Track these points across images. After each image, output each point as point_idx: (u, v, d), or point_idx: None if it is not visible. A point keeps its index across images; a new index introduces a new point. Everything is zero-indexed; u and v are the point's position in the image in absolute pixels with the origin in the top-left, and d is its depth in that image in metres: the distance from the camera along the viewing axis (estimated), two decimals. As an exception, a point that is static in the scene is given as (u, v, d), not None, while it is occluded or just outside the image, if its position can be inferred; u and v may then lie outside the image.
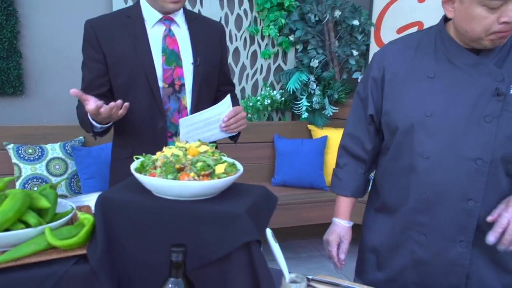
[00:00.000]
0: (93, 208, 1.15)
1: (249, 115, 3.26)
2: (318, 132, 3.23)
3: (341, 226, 1.45)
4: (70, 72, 2.93)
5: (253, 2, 3.24)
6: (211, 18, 1.69)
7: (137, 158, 1.05)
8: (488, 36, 1.10)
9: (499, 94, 1.13)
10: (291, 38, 3.30)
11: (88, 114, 1.35)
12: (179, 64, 1.51)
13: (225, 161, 1.01)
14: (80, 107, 1.47)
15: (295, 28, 3.24)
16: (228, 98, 1.44)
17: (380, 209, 1.39)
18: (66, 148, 2.71)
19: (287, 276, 1.03)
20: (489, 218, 1.12)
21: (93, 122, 1.38)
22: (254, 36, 3.30)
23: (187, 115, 1.53)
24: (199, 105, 1.52)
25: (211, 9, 3.09)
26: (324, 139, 3.15)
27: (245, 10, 3.24)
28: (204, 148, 1.03)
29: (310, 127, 3.30)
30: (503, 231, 1.08)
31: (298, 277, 1.03)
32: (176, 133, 1.53)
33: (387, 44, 1.37)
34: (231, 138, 1.60)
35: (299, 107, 3.23)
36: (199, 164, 0.96)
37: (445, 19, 1.23)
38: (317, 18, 3.17)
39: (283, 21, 3.23)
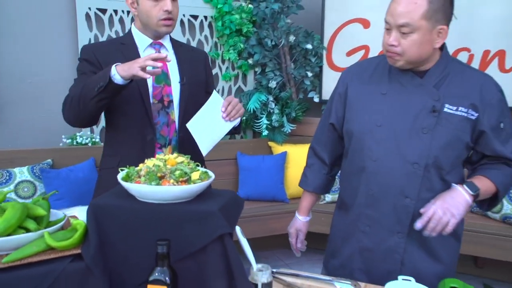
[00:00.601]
0: (79, 217, 1.29)
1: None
2: (278, 148, 3.43)
3: (299, 221, 1.67)
4: (34, 99, 3.00)
5: (213, 29, 3.44)
6: (194, 46, 1.88)
7: (122, 170, 1.21)
8: (386, 53, 1.38)
9: (434, 111, 1.37)
10: (250, 61, 3.51)
11: (113, 68, 1.43)
12: (168, 82, 1.69)
13: (199, 170, 1.19)
14: (87, 83, 1.52)
15: (253, 52, 3.46)
16: (214, 92, 1.61)
17: (340, 206, 1.61)
18: (35, 171, 2.77)
19: (255, 266, 1.22)
20: (422, 210, 1.35)
21: (115, 75, 1.43)
22: (215, 60, 3.49)
23: (175, 128, 1.69)
24: (185, 119, 1.66)
25: (174, 35, 3.26)
26: (284, 154, 3.36)
27: (206, 36, 3.43)
28: (181, 159, 1.20)
29: (270, 143, 3.48)
30: (429, 220, 1.31)
31: (264, 267, 1.22)
32: (165, 144, 1.68)
33: (353, 65, 1.61)
34: (235, 131, 1.74)
35: (259, 125, 3.43)
36: (177, 172, 1.14)
37: None
38: (273, 43, 3.40)
39: (242, 45, 3.44)
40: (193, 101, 1.72)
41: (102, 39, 3.06)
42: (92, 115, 1.57)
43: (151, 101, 1.66)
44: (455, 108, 1.37)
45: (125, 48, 1.68)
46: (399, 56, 1.34)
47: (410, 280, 1.31)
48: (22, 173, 2.74)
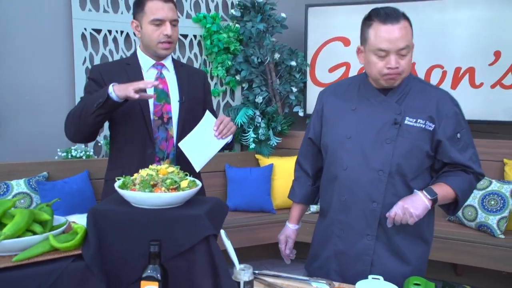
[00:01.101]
0: (78, 223, 1.42)
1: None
2: (264, 161, 3.57)
3: (289, 229, 1.81)
4: (32, 114, 3.12)
5: (202, 47, 3.60)
6: (194, 66, 2.03)
7: (118, 179, 1.35)
8: (382, 77, 1.52)
9: (396, 123, 1.54)
10: (237, 77, 3.66)
11: (111, 87, 1.57)
12: (168, 101, 1.82)
13: (187, 179, 1.33)
14: (87, 100, 1.67)
15: (241, 69, 3.62)
16: (207, 112, 1.75)
17: (320, 214, 1.76)
18: (31, 183, 2.88)
19: (238, 265, 1.36)
20: (387, 214, 1.50)
21: (113, 94, 1.57)
22: (204, 76, 3.66)
23: (173, 143, 1.82)
24: (182, 134, 1.78)
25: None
26: (270, 166, 3.50)
27: (195, 54, 3.60)
28: (171, 169, 1.34)
29: (258, 156, 3.62)
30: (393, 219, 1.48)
31: (246, 267, 1.37)
32: (164, 158, 1.81)
33: (329, 86, 1.78)
34: (228, 146, 1.87)
35: (246, 138, 3.58)
36: (168, 181, 1.28)
37: None
38: (259, 60, 3.57)
39: (229, 63, 3.61)
40: (190, 118, 1.84)
41: (97, 57, 3.21)
42: (90, 130, 1.71)
43: (151, 117, 1.79)
44: (414, 120, 1.53)
45: (129, 68, 1.82)
46: (399, 76, 1.50)
47: (379, 279, 1.45)
48: (19, 185, 2.84)
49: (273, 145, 3.57)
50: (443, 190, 1.54)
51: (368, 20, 1.51)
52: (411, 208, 1.45)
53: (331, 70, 3.65)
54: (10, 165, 2.94)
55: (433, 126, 1.53)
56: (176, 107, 1.84)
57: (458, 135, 1.55)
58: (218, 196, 3.51)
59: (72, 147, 3.13)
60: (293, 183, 1.83)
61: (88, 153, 3.16)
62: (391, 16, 1.45)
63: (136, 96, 1.56)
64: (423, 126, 1.52)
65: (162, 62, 1.85)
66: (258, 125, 3.56)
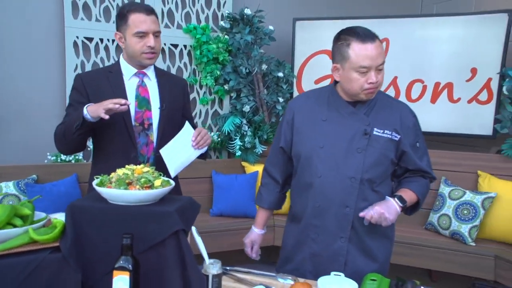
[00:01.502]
0: (59, 219, 1.51)
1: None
2: (250, 168, 3.66)
3: (254, 233, 1.90)
4: (23, 119, 3.20)
5: (192, 57, 3.71)
6: (176, 74, 2.12)
7: (96, 178, 1.44)
8: (362, 91, 1.62)
9: (366, 134, 1.65)
10: (226, 87, 3.75)
11: (85, 109, 1.68)
12: (149, 108, 1.91)
13: (161, 178, 1.43)
14: (67, 122, 1.79)
15: (229, 79, 3.71)
16: (187, 123, 1.85)
17: (292, 219, 1.84)
18: (20, 185, 2.96)
19: (207, 260, 1.45)
20: (361, 214, 1.60)
21: (88, 116, 1.69)
22: (194, 85, 3.74)
23: (153, 148, 1.91)
24: (162, 140, 1.88)
25: (156, 62, 3.51)
26: (256, 174, 3.57)
27: (185, 63, 3.70)
28: (146, 169, 1.44)
29: (243, 163, 3.70)
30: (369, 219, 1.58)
31: (215, 261, 1.45)
32: (144, 162, 1.88)
33: (297, 96, 1.88)
34: (202, 156, 1.96)
35: (233, 146, 3.67)
36: (142, 180, 1.37)
37: (335, 82, 1.73)
38: (247, 70, 3.67)
39: (218, 72, 3.71)
40: (170, 124, 1.94)
41: (88, 65, 3.31)
42: (77, 145, 1.83)
43: (133, 123, 1.88)
44: (382, 131, 1.64)
45: (112, 76, 1.91)
46: (377, 89, 1.62)
47: (340, 275, 1.55)
48: (8, 187, 2.91)
49: (259, 153, 3.66)
50: (409, 196, 1.67)
51: (343, 40, 1.60)
52: (386, 213, 1.57)
53: (317, 81, 3.76)
54: (0, 168, 3.01)
55: (399, 137, 1.64)
56: (156, 114, 1.92)
57: (417, 144, 1.67)
58: (205, 201, 3.61)
59: (62, 151, 3.21)
60: (260, 189, 1.91)
61: (77, 157, 3.25)
62: (368, 36, 1.57)
63: (106, 116, 1.65)
64: (390, 136, 1.64)
65: (144, 70, 1.94)
66: (244, 133, 3.65)
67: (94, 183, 1.40)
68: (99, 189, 1.35)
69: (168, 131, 1.93)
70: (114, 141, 1.88)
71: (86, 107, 1.70)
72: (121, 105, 1.66)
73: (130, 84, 1.92)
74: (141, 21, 1.83)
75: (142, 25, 1.83)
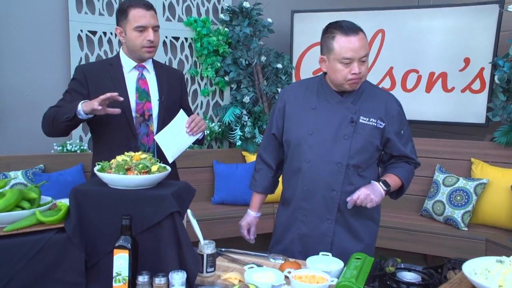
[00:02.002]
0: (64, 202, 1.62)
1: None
2: (250, 157, 3.74)
3: (251, 216, 2.00)
4: (30, 110, 3.29)
5: (192, 49, 3.80)
6: (173, 67, 2.20)
7: (98, 164, 1.54)
8: (346, 82, 1.70)
9: (352, 121, 1.74)
10: (226, 78, 3.84)
11: (80, 105, 1.75)
12: (149, 99, 2.00)
13: (158, 164, 1.53)
14: (59, 110, 1.85)
15: (229, 70, 3.80)
16: (181, 111, 1.93)
17: (282, 202, 1.95)
18: (28, 174, 3.08)
19: (202, 240, 1.55)
20: (348, 198, 1.70)
21: (81, 111, 1.75)
22: (195, 77, 3.83)
23: (153, 138, 1.98)
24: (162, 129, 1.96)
25: (156, 55, 3.57)
26: (256, 163, 3.69)
27: (186, 56, 3.79)
28: (144, 156, 1.54)
29: (244, 153, 3.79)
30: (354, 201, 1.68)
31: (209, 242, 1.55)
32: (145, 151, 1.95)
33: (289, 85, 1.96)
34: (199, 142, 2.06)
35: (234, 136, 3.77)
36: (140, 165, 1.47)
37: (324, 72, 1.81)
38: (247, 62, 3.75)
39: (218, 64, 3.79)
40: (169, 115, 2.02)
41: (92, 57, 3.41)
42: (61, 133, 1.92)
43: (133, 115, 1.97)
44: (367, 119, 1.73)
45: (112, 69, 1.99)
46: (360, 80, 1.70)
47: (328, 255, 1.65)
48: (16, 176, 3.03)
49: (259, 142, 3.74)
50: (393, 181, 1.76)
51: (329, 33, 1.69)
52: (372, 194, 1.67)
53: (315, 72, 3.82)
54: (8, 158, 3.12)
55: (384, 124, 1.73)
56: (156, 105, 2.02)
57: (402, 131, 1.76)
58: (206, 190, 3.71)
59: (68, 142, 3.32)
60: (254, 174, 2.01)
61: (82, 147, 3.36)
62: (351, 29, 1.65)
63: (99, 107, 1.72)
64: (375, 124, 1.73)
65: (143, 64, 2.03)
66: (245, 123, 3.74)
67: (95, 168, 1.50)
68: (100, 174, 1.46)
69: (168, 121, 2.01)
70: (116, 132, 1.97)
71: (81, 103, 1.78)
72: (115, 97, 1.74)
73: (130, 76, 2.01)
74: (141, 16, 1.91)
75: (142, 19, 1.91)
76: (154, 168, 1.49)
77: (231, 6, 3.77)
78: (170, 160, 1.92)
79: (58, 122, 1.84)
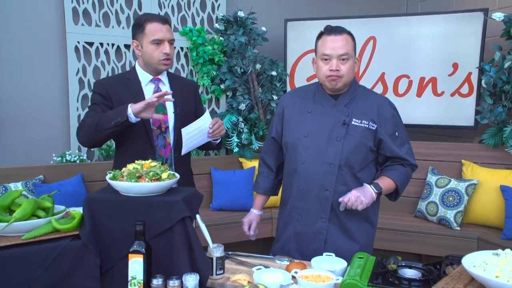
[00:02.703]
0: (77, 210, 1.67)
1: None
2: (247, 164, 3.80)
3: (253, 213, 2.07)
4: (28, 121, 3.33)
5: (188, 58, 3.86)
6: (186, 78, 2.24)
7: (109, 173, 1.60)
8: (326, 78, 1.79)
9: (344, 124, 1.82)
10: (222, 86, 3.89)
11: (129, 108, 1.81)
12: (165, 112, 2.05)
13: (167, 172, 1.59)
14: (102, 116, 1.90)
15: (225, 79, 3.85)
16: (207, 112, 2.00)
17: (281, 204, 2.02)
18: (28, 185, 3.10)
19: (211, 244, 1.62)
20: (340, 199, 1.77)
21: (131, 114, 1.81)
22: (191, 85, 3.91)
23: (170, 150, 2.05)
24: (179, 142, 2.01)
25: None
26: (253, 169, 3.72)
27: (182, 65, 3.85)
28: (154, 164, 1.60)
29: (241, 159, 3.85)
30: (346, 203, 1.74)
31: (218, 246, 1.61)
32: (163, 163, 1.97)
33: (288, 92, 2.07)
34: (217, 146, 2.13)
35: (230, 143, 3.83)
36: (151, 173, 1.54)
37: None
38: (242, 70, 3.82)
39: (214, 73, 3.85)
40: (185, 126, 2.05)
41: (89, 68, 3.46)
42: (102, 141, 1.96)
43: (151, 127, 2.03)
44: (359, 121, 1.82)
45: (130, 83, 2.05)
46: (340, 79, 1.78)
47: (331, 255, 1.72)
48: (16, 188, 3.06)
49: (255, 149, 3.81)
50: (386, 183, 1.83)
51: (318, 36, 1.84)
52: (362, 196, 1.74)
53: (309, 79, 3.92)
54: (8, 169, 3.13)
55: (376, 126, 1.81)
56: (172, 117, 2.07)
57: (396, 133, 1.84)
58: (205, 196, 3.72)
59: (67, 152, 3.36)
60: (257, 177, 2.10)
61: (81, 157, 3.40)
62: (335, 29, 1.78)
63: (155, 99, 1.80)
64: (367, 126, 1.81)
65: (159, 77, 2.08)
66: (241, 130, 3.80)
67: (107, 177, 1.56)
68: (112, 183, 1.52)
69: None
70: (135, 144, 2.02)
71: (130, 106, 1.82)
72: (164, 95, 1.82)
73: (147, 90, 2.06)
74: (157, 30, 1.97)
75: (158, 33, 1.97)
76: (164, 175, 1.55)
77: (226, 15, 3.85)
78: (183, 152, 1.99)
79: (103, 129, 1.87)
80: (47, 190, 3.06)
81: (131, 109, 1.82)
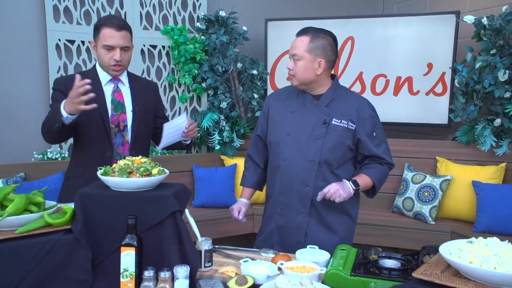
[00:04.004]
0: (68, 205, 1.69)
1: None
2: (229, 161, 3.86)
3: (241, 201, 2.12)
4: (9, 119, 3.30)
5: (170, 57, 3.88)
6: (147, 79, 2.31)
7: (100, 169, 1.63)
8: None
9: (324, 123, 1.90)
10: (203, 85, 3.94)
11: (62, 106, 1.83)
12: (124, 111, 2.11)
13: (157, 167, 1.63)
14: (50, 114, 1.94)
15: (206, 77, 3.90)
16: (184, 113, 2.07)
17: (266, 199, 2.09)
18: (9, 183, 3.08)
19: (199, 238, 1.67)
20: (320, 193, 1.85)
21: (64, 113, 1.82)
22: (173, 84, 3.91)
23: (128, 148, 2.11)
24: (137, 140, 2.10)
25: (134, 63, 3.59)
26: (234, 166, 3.79)
27: (164, 63, 3.87)
28: (144, 160, 1.64)
29: (222, 157, 3.90)
30: (324, 195, 1.82)
31: (206, 239, 1.67)
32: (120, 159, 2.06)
33: (273, 92, 2.15)
34: (187, 147, 2.21)
35: (212, 141, 3.87)
36: (141, 169, 1.58)
37: None
38: (223, 69, 3.88)
39: (196, 71, 3.89)
40: (143, 125, 2.15)
41: (71, 66, 3.45)
42: (61, 137, 2.02)
43: (110, 125, 2.07)
44: (339, 121, 1.90)
45: (90, 83, 2.05)
46: (294, 77, 1.90)
47: (315, 248, 1.79)
48: (-3, 185, 3.04)
49: (237, 146, 3.87)
50: (364, 181, 1.93)
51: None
52: (341, 190, 1.82)
53: (289, 78, 4.00)
54: (-12, 167, 3.12)
55: (355, 126, 1.90)
56: (130, 116, 2.13)
57: (374, 133, 1.94)
58: (186, 194, 3.80)
59: (48, 150, 3.34)
60: (244, 172, 2.17)
61: (63, 155, 3.39)
62: (300, 31, 1.90)
63: (87, 107, 1.83)
64: (346, 125, 1.90)
65: (119, 77, 2.13)
66: (222, 128, 3.85)
67: (99, 173, 1.59)
68: (104, 178, 1.55)
69: (142, 131, 2.14)
70: (93, 141, 2.07)
71: (62, 108, 1.84)
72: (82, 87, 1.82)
73: (107, 89, 2.11)
74: (110, 36, 2.01)
75: (111, 39, 2.01)
76: (155, 171, 1.60)
77: (207, 15, 3.89)
78: (159, 148, 2.09)
79: (52, 133, 1.92)
80: (28, 187, 3.03)
81: (64, 112, 1.84)
